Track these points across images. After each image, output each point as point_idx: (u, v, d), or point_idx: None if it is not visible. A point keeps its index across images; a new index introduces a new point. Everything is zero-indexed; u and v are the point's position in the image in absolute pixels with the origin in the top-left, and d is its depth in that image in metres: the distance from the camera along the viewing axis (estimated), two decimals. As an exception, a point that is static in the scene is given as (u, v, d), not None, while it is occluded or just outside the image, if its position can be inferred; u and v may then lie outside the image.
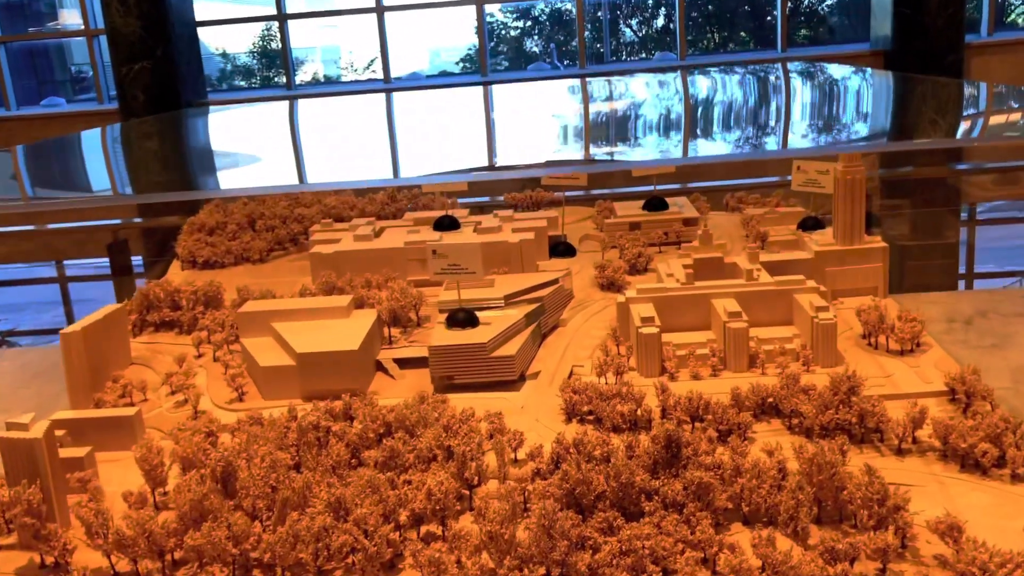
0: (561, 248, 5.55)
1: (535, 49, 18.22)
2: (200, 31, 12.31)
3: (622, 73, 12.59)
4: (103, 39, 11.64)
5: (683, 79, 5.72)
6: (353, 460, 3.57)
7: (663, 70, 11.86)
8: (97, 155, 4.22)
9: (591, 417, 3.70)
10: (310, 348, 4.10)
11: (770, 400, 3.64)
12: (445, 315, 4.35)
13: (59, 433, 3.87)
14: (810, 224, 5.47)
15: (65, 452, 3.77)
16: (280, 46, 12.59)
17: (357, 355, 4.08)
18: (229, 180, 3.19)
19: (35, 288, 8.93)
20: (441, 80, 14.03)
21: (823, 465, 3.03)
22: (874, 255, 4.66)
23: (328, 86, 16.53)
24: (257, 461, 3.43)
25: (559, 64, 16.26)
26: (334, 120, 4.71)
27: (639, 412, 3.62)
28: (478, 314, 4.34)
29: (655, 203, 5.80)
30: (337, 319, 4.47)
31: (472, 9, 12.27)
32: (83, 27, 12.45)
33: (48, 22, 18.26)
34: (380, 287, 5.03)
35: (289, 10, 12.24)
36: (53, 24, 18.11)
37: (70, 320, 7.98)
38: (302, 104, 6.53)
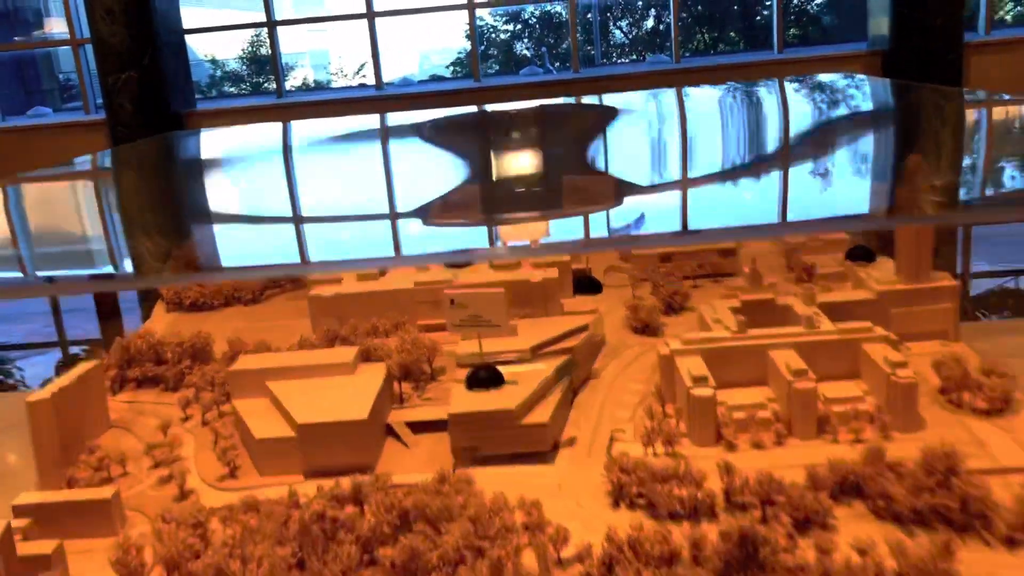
0: (586, 283, 5.04)
1: (525, 52, 17.76)
2: (188, 38, 11.74)
3: (614, 79, 12.11)
4: (89, 48, 11.07)
5: (679, 99, 5.23)
6: (366, 556, 3.05)
7: (657, 75, 11.38)
8: (90, 205, 3.73)
9: (642, 500, 3.18)
10: (312, 417, 3.58)
11: (851, 478, 3.13)
12: (464, 371, 3.83)
13: (20, 524, 3.35)
14: (859, 254, 4.97)
15: (27, 547, 3.25)
16: (269, 52, 12.03)
17: (366, 425, 3.56)
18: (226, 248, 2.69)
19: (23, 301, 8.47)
20: (435, 86, 13.49)
21: (934, 574, 2.53)
22: (944, 295, 4.15)
23: (319, 93, 15.99)
24: (253, 567, 2.91)
25: (551, 68, 15.78)
26: (335, 156, 4.19)
27: (700, 496, 3.10)
28: (502, 369, 3.83)
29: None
30: (341, 376, 3.95)
31: (462, 14, 11.73)
32: (69, 36, 11.87)
33: (34, 30, 17.69)
34: (388, 334, 4.52)
35: (278, 16, 11.67)
36: (39, 33, 17.53)
37: (60, 334, 7.49)
38: (297, 125, 5.98)
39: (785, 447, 3.47)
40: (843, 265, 4.89)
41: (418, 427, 3.87)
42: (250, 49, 17.52)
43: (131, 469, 3.88)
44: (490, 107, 6.15)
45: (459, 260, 4.53)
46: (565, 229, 2.49)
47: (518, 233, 2.52)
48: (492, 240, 2.43)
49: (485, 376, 3.73)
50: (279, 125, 7.29)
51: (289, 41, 14.42)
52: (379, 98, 11.53)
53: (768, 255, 5.34)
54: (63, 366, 6.52)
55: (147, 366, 4.45)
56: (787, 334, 3.83)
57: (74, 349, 7.33)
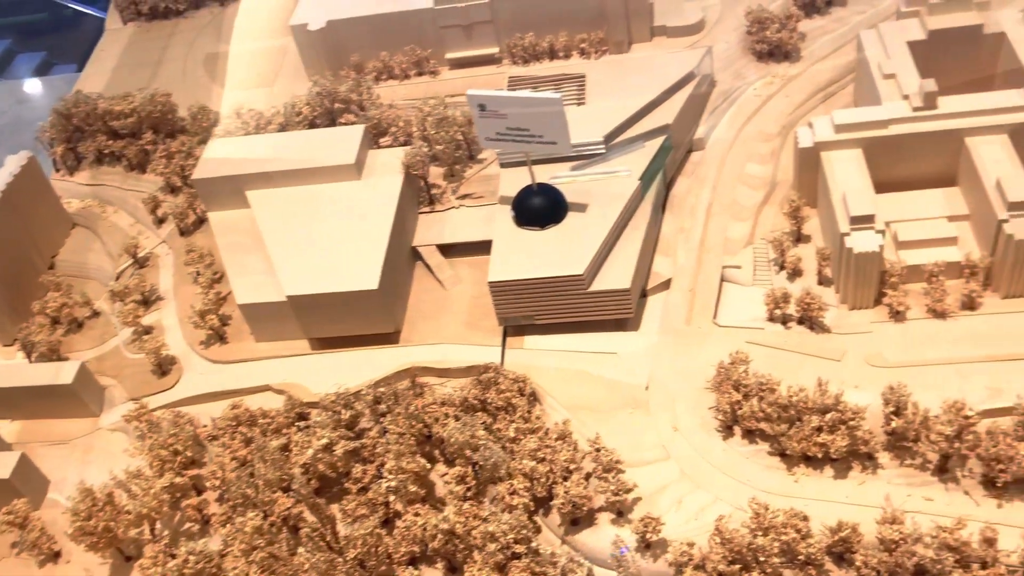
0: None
1: None
2: None
3: None
4: None
5: None
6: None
7: None
8: None
9: (761, 427, 2.26)
10: (304, 287, 2.61)
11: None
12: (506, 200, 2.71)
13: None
14: None
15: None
16: None
17: (376, 295, 2.59)
18: None
19: None
20: None
21: None
22: None
23: None
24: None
25: None
26: None
27: (854, 438, 2.16)
28: (560, 180, 2.69)
29: None
30: (344, 183, 2.86)
31: None
32: None
33: None
34: (405, 74, 3.28)
35: None
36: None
37: None
38: None
39: (977, 312, 2.37)
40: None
41: (450, 250, 2.88)
42: None
43: (100, 303, 3.10)
44: None
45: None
46: None
47: None
48: None
49: (539, 205, 2.60)
50: None
51: None
52: None
53: None
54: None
55: (100, 139, 3.40)
56: (1003, 107, 2.48)
57: None
